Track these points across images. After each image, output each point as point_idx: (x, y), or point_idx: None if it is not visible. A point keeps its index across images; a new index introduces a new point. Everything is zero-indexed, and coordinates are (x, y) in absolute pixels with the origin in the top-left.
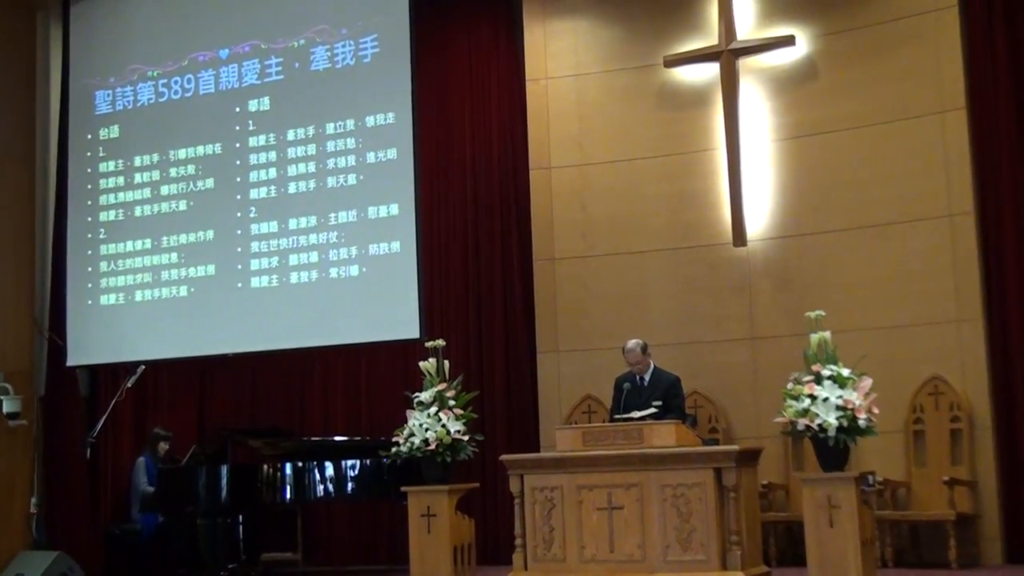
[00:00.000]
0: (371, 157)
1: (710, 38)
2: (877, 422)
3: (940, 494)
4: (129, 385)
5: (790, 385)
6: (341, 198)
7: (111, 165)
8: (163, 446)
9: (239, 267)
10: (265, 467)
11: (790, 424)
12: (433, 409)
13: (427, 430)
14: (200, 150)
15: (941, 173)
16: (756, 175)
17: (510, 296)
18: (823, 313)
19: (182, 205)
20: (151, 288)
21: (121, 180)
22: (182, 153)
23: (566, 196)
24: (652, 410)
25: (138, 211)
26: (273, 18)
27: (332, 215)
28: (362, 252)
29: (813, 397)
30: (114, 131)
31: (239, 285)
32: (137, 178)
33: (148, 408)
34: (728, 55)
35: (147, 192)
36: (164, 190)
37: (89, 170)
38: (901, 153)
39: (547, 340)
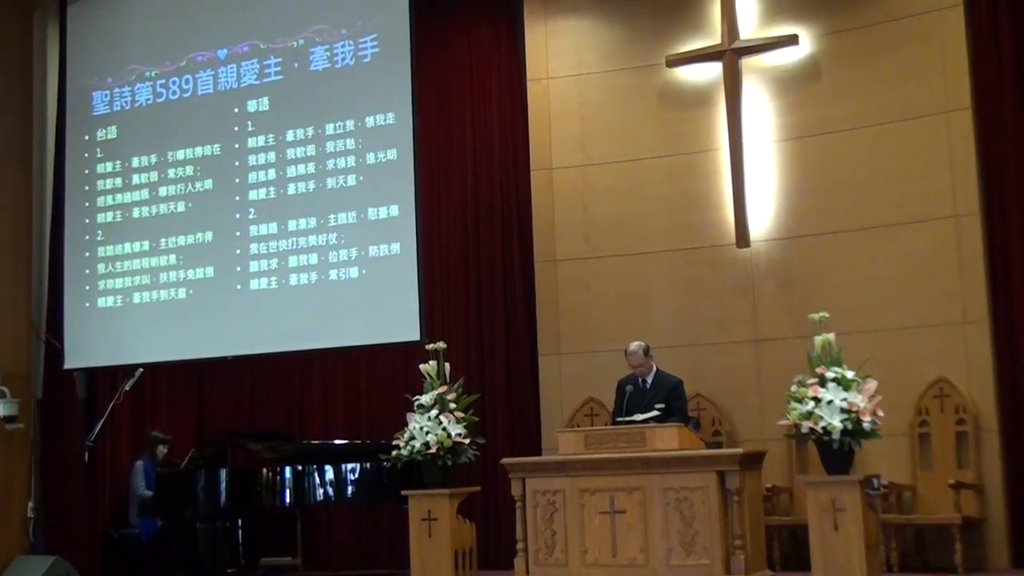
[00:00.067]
0: (371, 158)
1: (713, 37)
2: (882, 425)
3: (946, 497)
4: (127, 388)
5: (794, 387)
6: (341, 199)
7: (109, 166)
8: (162, 449)
9: (238, 269)
10: (264, 471)
11: (794, 427)
12: (434, 412)
13: (428, 433)
14: (199, 151)
15: (946, 173)
16: (759, 176)
17: (511, 298)
18: (827, 315)
19: (180, 206)
20: (149, 290)
21: (119, 181)
22: (180, 154)
23: (568, 197)
24: (655, 413)
25: (136, 212)
26: (272, 18)
27: (332, 216)
28: (362, 254)
29: (817, 399)
30: (112, 132)
31: (238, 287)
32: (135, 179)
33: (146, 411)
34: (731, 55)
35: (145, 193)
36: (162, 191)
37: (87, 171)
38: (905, 153)
39: (549, 342)
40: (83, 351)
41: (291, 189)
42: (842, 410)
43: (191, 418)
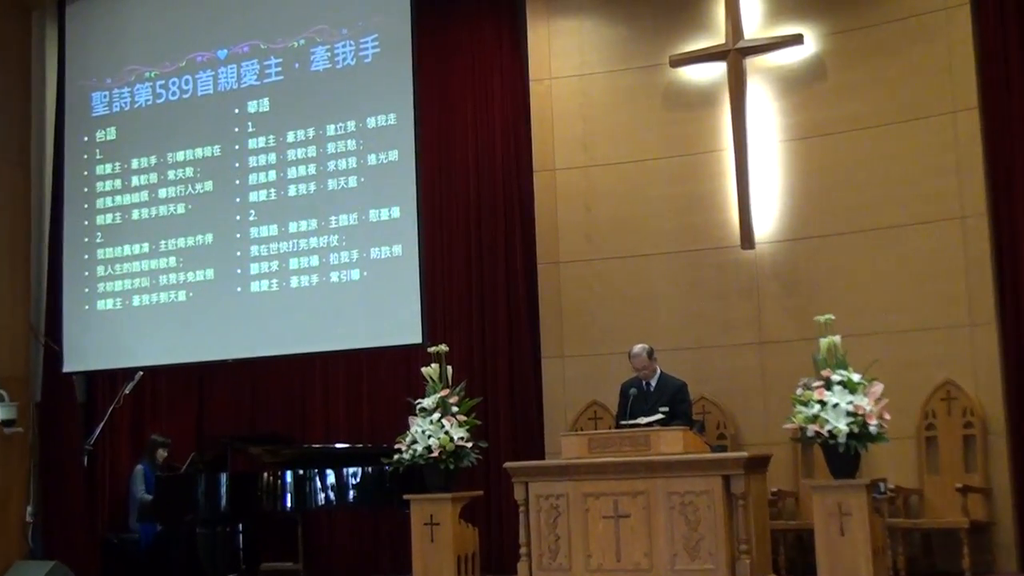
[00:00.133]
0: (372, 159)
1: (717, 37)
2: (888, 428)
3: (953, 501)
4: (127, 391)
5: (799, 390)
6: (342, 201)
7: (108, 168)
8: (161, 453)
9: (238, 271)
10: (265, 475)
11: (799, 430)
12: (436, 415)
13: (430, 437)
14: (198, 152)
15: (953, 174)
16: (764, 176)
17: (514, 300)
18: (833, 317)
19: (180, 208)
20: (149, 293)
21: (118, 183)
22: (180, 155)
23: (571, 198)
24: (659, 416)
25: (136, 214)
26: (272, 18)
27: (333, 218)
28: (363, 256)
29: (823, 403)
30: (111, 133)
31: (238, 289)
32: (135, 181)
33: (146, 415)
34: (735, 54)
35: (145, 195)
36: (162, 193)
37: (86, 173)
38: (912, 154)
39: (552, 345)
40: (82, 354)
41: (292, 191)
42: (848, 413)
43: (191, 422)
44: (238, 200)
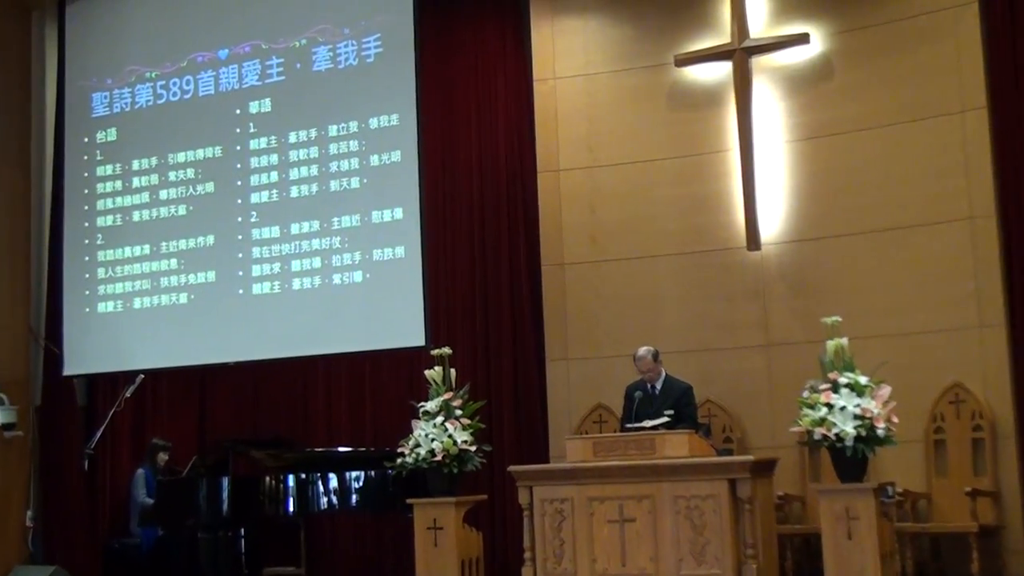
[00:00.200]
0: (375, 160)
1: (722, 36)
2: (896, 431)
3: (962, 505)
4: (128, 395)
5: (806, 393)
6: (344, 202)
7: (108, 169)
8: (162, 457)
9: (240, 273)
10: (267, 479)
11: (806, 433)
12: (439, 419)
13: (433, 440)
14: (200, 153)
15: (961, 174)
16: (770, 177)
17: (518, 302)
18: (840, 319)
19: (181, 210)
20: (150, 295)
21: (119, 184)
22: (181, 156)
23: (575, 199)
24: (664, 419)
25: (136, 216)
26: (274, 17)
27: (335, 219)
28: (366, 257)
29: (830, 406)
30: (111, 134)
31: (240, 292)
32: (135, 182)
33: (147, 418)
34: (741, 54)
35: (145, 196)
36: (163, 194)
37: (86, 174)
38: (920, 154)
39: (556, 347)
40: (83, 357)
41: (294, 192)
42: (855, 416)
43: (193, 425)
44: (240, 201)
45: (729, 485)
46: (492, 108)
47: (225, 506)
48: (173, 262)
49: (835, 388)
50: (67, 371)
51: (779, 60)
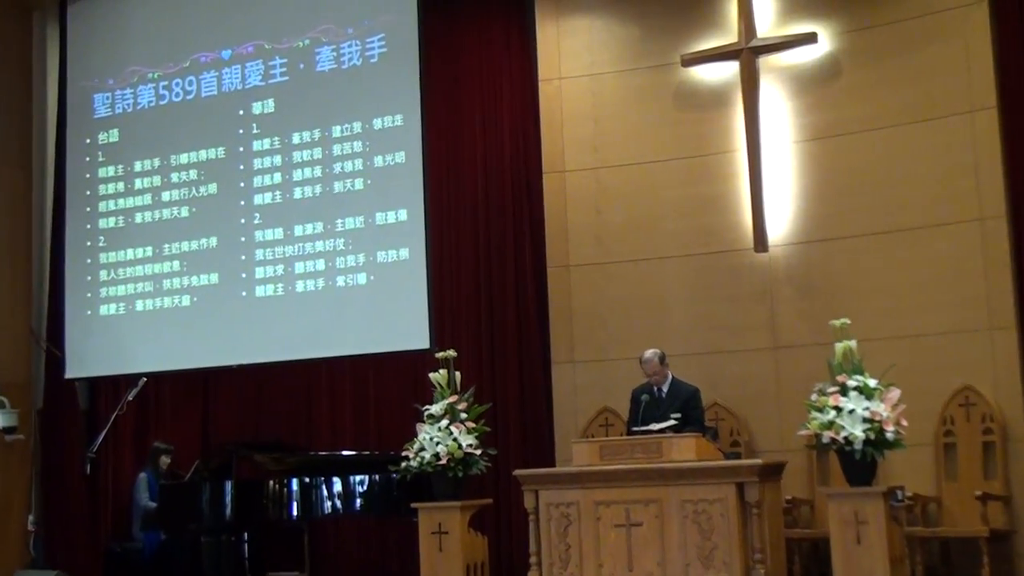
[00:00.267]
0: (379, 161)
1: (729, 36)
2: (906, 435)
3: (972, 509)
4: (130, 398)
5: (814, 396)
6: (348, 203)
7: (111, 170)
8: (164, 460)
9: (243, 275)
10: (271, 483)
11: (815, 437)
12: (444, 422)
13: (438, 444)
14: (202, 154)
15: (971, 175)
16: (777, 178)
17: (523, 304)
18: (848, 321)
19: (184, 211)
20: (152, 297)
21: (121, 186)
22: (184, 157)
23: (581, 200)
24: (671, 422)
25: (139, 218)
26: (277, 17)
27: (339, 221)
28: (370, 259)
29: (838, 409)
30: (113, 135)
31: (243, 294)
32: (137, 184)
33: (150, 422)
34: (748, 53)
35: (148, 198)
36: (165, 196)
37: (88, 175)
38: (929, 154)
39: (562, 350)
40: (85, 360)
41: (297, 193)
42: (864, 419)
43: (196, 428)
44: (243, 203)
45: (737, 489)
46: (497, 109)
47: (228, 510)
48: (176, 264)
49: (844, 391)
50: (69, 374)
51: (786, 60)
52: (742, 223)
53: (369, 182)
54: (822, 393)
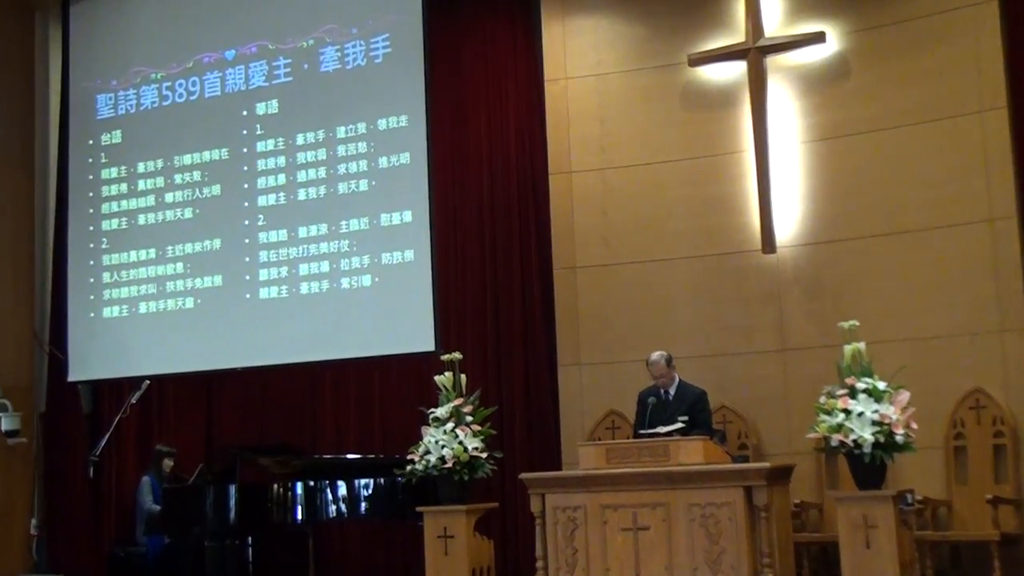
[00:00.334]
0: (383, 162)
1: (736, 35)
2: (915, 437)
3: (983, 513)
4: (133, 401)
5: (823, 399)
6: (352, 205)
7: (113, 171)
8: (167, 463)
9: (247, 277)
10: (275, 486)
11: (823, 440)
12: (450, 425)
13: (443, 447)
14: (206, 155)
15: (981, 175)
16: (785, 178)
17: (529, 306)
18: (857, 323)
19: (187, 213)
20: (156, 300)
21: (124, 187)
22: (187, 159)
23: (587, 201)
24: (678, 425)
25: (142, 219)
26: (281, 17)
27: (343, 223)
28: (375, 261)
29: (847, 411)
30: (116, 136)
31: (247, 296)
32: (140, 185)
33: (153, 425)
34: (755, 53)
35: (151, 200)
36: (169, 197)
37: (91, 177)
38: (938, 155)
39: (568, 352)
40: (87, 363)
41: (301, 194)
42: (873, 422)
43: (199, 432)
44: (246, 204)
45: (745, 492)
46: (502, 109)
47: (232, 514)
48: (179, 266)
49: (853, 393)
50: (72, 377)
51: (794, 59)
52: (750, 224)
53: (374, 183)
54: (831, 396)
